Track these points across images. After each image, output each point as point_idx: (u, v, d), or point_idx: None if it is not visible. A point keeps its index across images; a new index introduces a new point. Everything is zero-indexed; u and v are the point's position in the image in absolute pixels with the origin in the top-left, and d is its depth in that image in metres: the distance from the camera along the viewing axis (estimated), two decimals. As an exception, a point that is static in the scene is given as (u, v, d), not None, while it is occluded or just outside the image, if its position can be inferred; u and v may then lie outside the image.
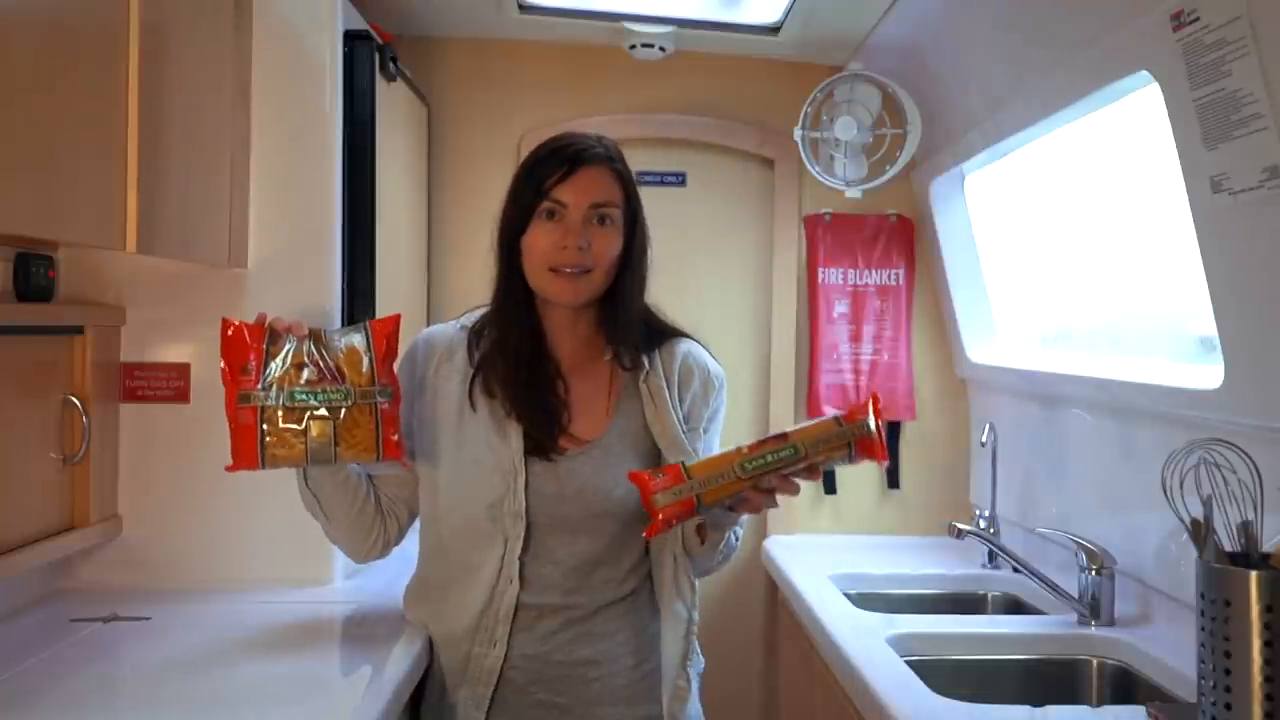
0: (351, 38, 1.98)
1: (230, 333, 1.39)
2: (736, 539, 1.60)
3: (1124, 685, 1.82)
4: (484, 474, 1.50)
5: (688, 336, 1.64)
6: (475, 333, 1.58)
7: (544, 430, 1.51)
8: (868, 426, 1.39)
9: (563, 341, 1.57)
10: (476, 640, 1.51)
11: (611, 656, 1.52)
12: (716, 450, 1.61)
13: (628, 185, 1.54)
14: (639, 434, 1.54)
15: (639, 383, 1.56)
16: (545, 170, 1.49)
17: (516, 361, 1.52)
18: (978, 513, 2.47)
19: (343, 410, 1.41)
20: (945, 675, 1.79)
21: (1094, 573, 1.94)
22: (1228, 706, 1.27)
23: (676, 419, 1.55)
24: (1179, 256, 1.74)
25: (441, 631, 1.56)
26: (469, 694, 1.50)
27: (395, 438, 1.43)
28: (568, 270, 1.49)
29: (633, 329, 1.56)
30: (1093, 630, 1.92)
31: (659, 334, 1.61)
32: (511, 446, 1.50)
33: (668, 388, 1.56)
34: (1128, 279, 2.10)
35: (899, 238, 2.76)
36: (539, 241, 1.49)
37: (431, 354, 1.58)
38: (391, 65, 2.15)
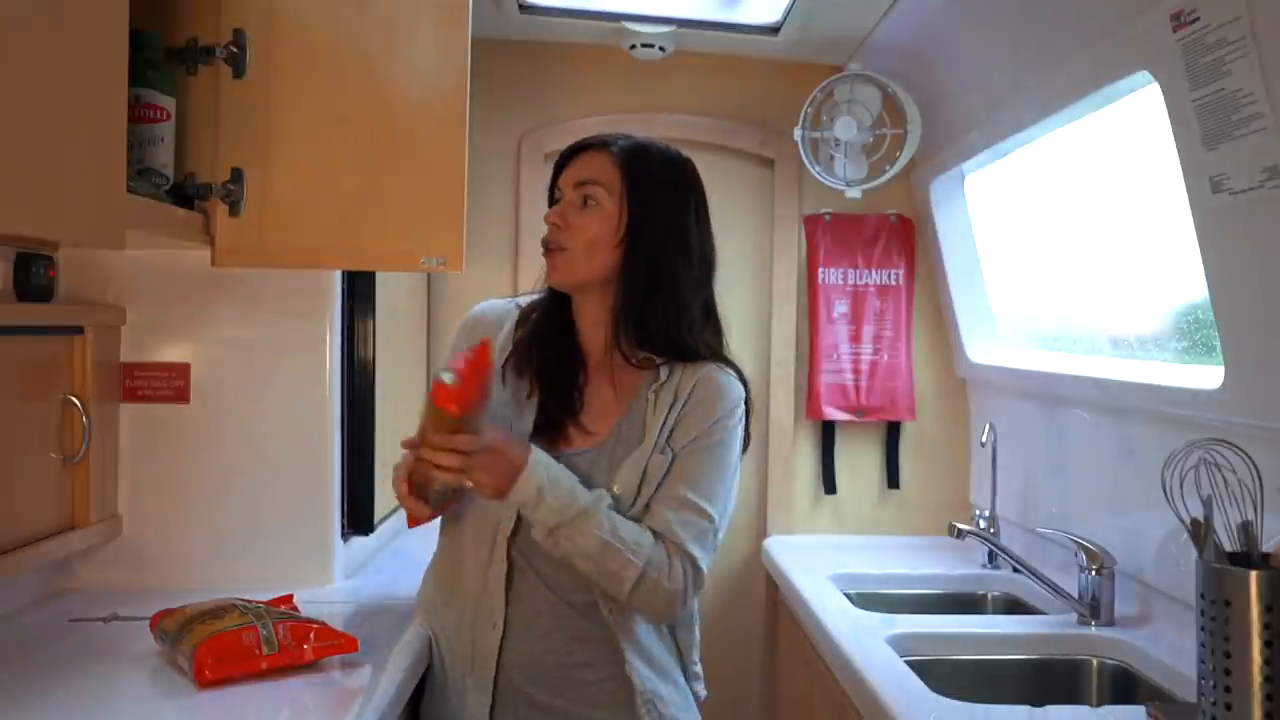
0: (352, 38, 1.98)
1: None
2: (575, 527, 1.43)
3: (1124, 685, 1.82)
4: None
5: (727, 364, 1.58)
6: (525, 314, 1.62)
7: (555, 410, 1.53)
8: (443, 376, 1.38)
9: (590, 336, 1.58)
10: (479, 625, 1.52)
11: (609, 660, 1.52)
12: (712, 484, 1.49)
13: (631, 172, 1.53)
14: (638, 443, 1.52)
15: (649, 390, 1.54)
16: (557, 164, 1.59)
17: (547, 344, 1.56)
18: (978, 513, 2.47)
19: None
20: (945, 675, 1.79)
21: (1094, 573, 1.94)
22: (1228, 706, 1.27)
23: (656, 435, 1.50)
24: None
25: (448, 624, 1.56)
26: (475, 680, 1.51)
27: None
28: (550, 247, 1.54)
29: (636, 324, 1.52)
30: (1093, 630, 1.92)
31: (687, 349, 1.54)
32: (523, 428, 1.52)
33: (672, 403, 1.52)
34: (1123, 276, 2.10)
35: (899, 238, 2.76)
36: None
37: (480, 327, 1.63)
38: (392, 65, 2.16)
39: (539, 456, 1.43)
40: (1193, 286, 1.79)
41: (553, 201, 1.59)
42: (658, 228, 1.53)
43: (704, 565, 1.47)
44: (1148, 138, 1.74)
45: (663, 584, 1.43)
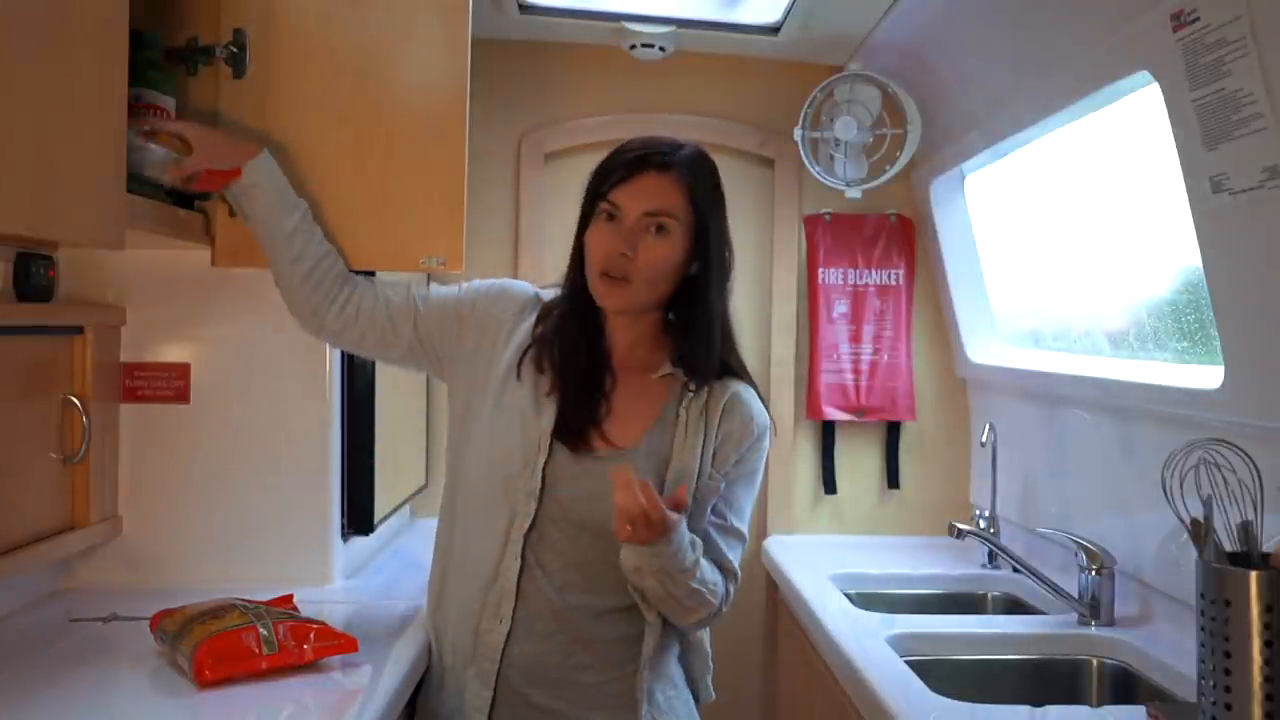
0: (352, 38, 1.98)
1: None
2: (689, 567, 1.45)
3: (1124, 685, 1.82)
4: (510, 445, 1.51)
5: (748, 382, 1.59)
6: (546, 309, 1.59)
7: (578, 416, 1.51)
8: None
9: (618, 342, 1.56)
10: (484, 615, 1.51)
11: (610, 663, 1.52)
12: (747, 508, 1.57)
13: (697, 197, 1.50)
14: (666, 458, 1.52)
15: (680, 407, 1.53)
16: (609, 170, 1.51)
17: (571, 347, 1.54)
18: (978, 513, 2.47)
19: None
20: (945, 675, 1.79)
21: (1094, 573, 1.94)
22: (1228, 706, 1.27)
23: (698, 459, 1.51)
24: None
25: (451, 616, 1.56)
26: (477, 671, 1.51)
27: None
28: (612, 275, 1.49)
29: (694, 349, 1.52)
30: (1093, 630, 1.92)
31: (724, 366, 1.56)
32: (542, 426, 1.51)
33: (705, 424, 1.53)
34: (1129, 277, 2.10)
35: (899, 238, 2.76)
36: (594, 242, 1.51)
37: (511, 304, 1.61)
38: (392, 65, 2.16)
39: (683, 527, 1.43)
40: (1163, 282, 1.81)
41: (591, 210, 1.52)
42: (714, 251, 1.53)
43: (740, 576, 1.56)
44: (1148, 138, 1.74)
45: (721, 610, 1.52)
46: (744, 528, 1.58)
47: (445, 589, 1.59)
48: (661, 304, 1.54)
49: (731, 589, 1.54)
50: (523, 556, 1.50)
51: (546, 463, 1.49)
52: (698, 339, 1.53)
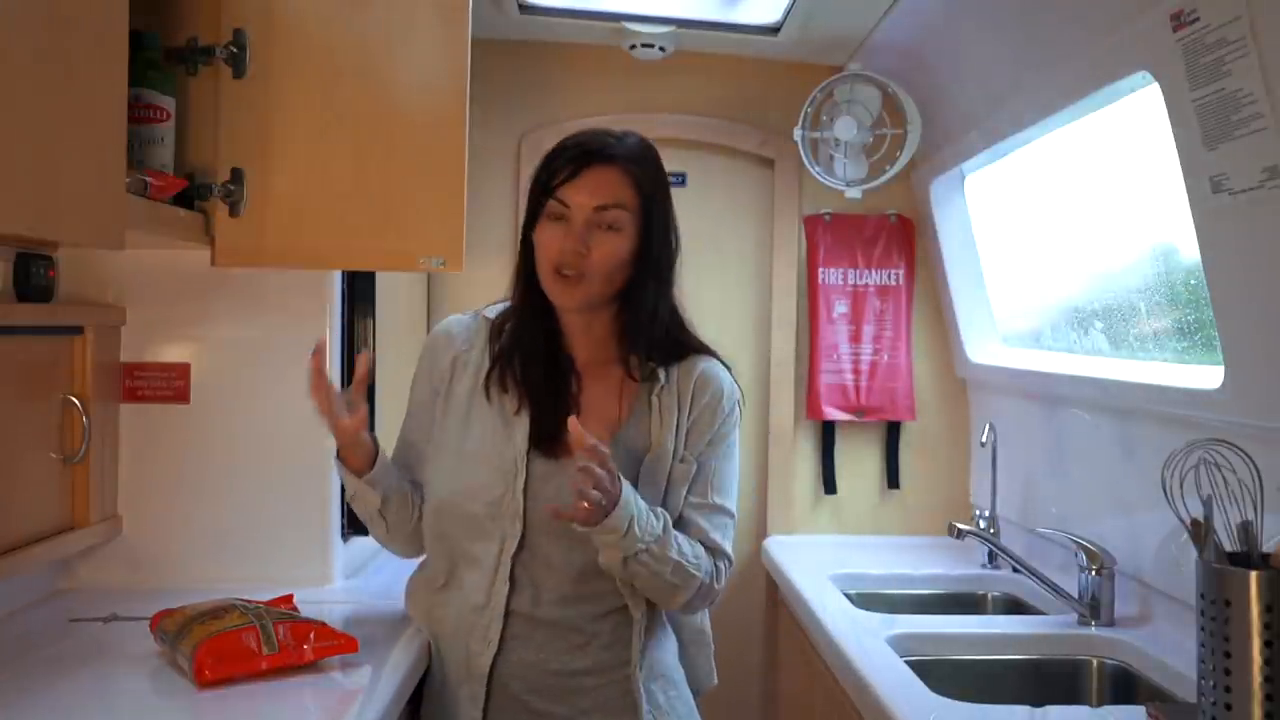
0: (352, 38, 1.98)
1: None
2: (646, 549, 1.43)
3: (1124, 685, 1.82)
4: (486, 470, 1.50)
5: (712, 354, 1.59)
6: (497, 326, 1.58)
7: (551, 421, 1.49)
8: None
9: (578, 342, 1.56)
10: (473, 638, 1.51)
11: (609, 667, 1.52)
12: (731, 485, 1.57)
13: (644, 186, 1.49)
14: (645, 448, 1.52)
15: (651, 396, 1.53)
16: (555, 168, 1.49)
17: (532, 356, 1.52)
18: (978, 513, 2.47)
19: None
20: (945, 675, 1.78)
21: (1094, 573, 1.94)
22: (1228, 706, 1.27)
23: (673, 440, 1.51)
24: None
25: (444, 630, 1.56)
26: (469, 691, 1.51)
27: None
28: (567, 273, 1.47)
29: (647, 336, 1.52)
30: (1093, 630, 1.92)
31: (681, 346, 1.56)
32: (515, 445, 1.50)
33: (678, 407, 1.52)
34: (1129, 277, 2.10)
35: (899, 238, 2.76)
36: (544, 241, 1.49)
37: (450, 345, 1.59)
38: (392, 65, 2.15)
39: (628, 487, 1.41)
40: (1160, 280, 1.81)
41: (538, 208, 1.50)
42: (662, 237, 1.52)
43: (732, 556, 1.56)
44: (1148, 137, 1.74)
45: (713, 588, 1.52)
46: (730, 504, 1.56)
47: (438, 602, 1.57)
48: (616, 296, 1.52)
49: (722, 567, 1.53)
50: (514, 577, 1.49)
51: (526, 482, 1.49)
52: (646, 322, 1.52)
